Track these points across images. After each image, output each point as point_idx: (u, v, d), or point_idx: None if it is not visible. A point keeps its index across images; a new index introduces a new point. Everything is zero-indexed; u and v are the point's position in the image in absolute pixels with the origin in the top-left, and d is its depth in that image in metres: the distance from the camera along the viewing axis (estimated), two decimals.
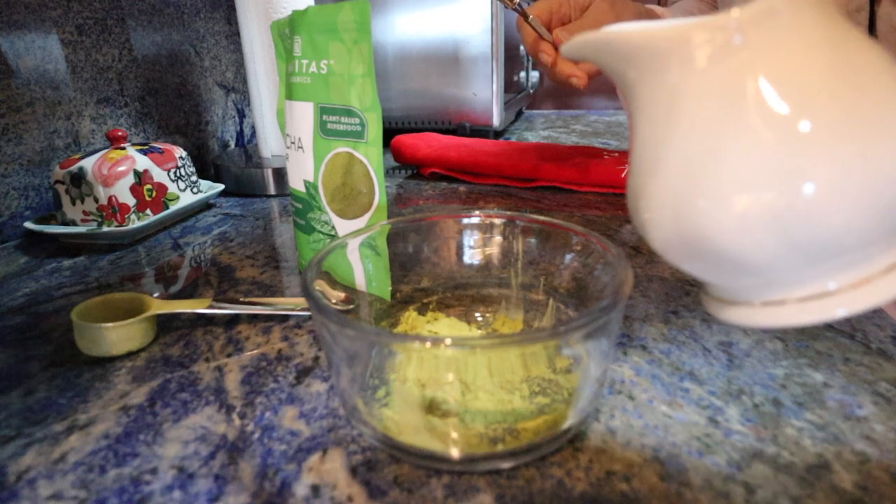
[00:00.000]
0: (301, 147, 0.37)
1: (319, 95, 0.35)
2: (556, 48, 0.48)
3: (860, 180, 0.15)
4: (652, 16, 0.55)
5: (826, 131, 0.15)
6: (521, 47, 1.07)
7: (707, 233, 0.17)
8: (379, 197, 0.35)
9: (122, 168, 0.50)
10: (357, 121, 0.34)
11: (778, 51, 0.16)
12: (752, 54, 0.16)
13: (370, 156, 0.35)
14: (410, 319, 0.33)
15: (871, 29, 0.43)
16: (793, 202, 0.16)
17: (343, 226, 0.37)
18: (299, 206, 0.40)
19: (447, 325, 0.32)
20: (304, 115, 0.36)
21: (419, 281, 0.35)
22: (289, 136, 0.38)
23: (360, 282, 0.33)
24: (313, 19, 0.34)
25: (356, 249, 0.32)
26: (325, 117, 0.35)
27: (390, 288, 0.35)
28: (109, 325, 0.31)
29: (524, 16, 0.47)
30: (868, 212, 0.15)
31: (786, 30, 0.16)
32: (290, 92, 0.37)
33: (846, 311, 0.17)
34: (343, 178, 0.36)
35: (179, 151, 0.58)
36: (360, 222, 0.36)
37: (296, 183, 0.39)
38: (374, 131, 0.34)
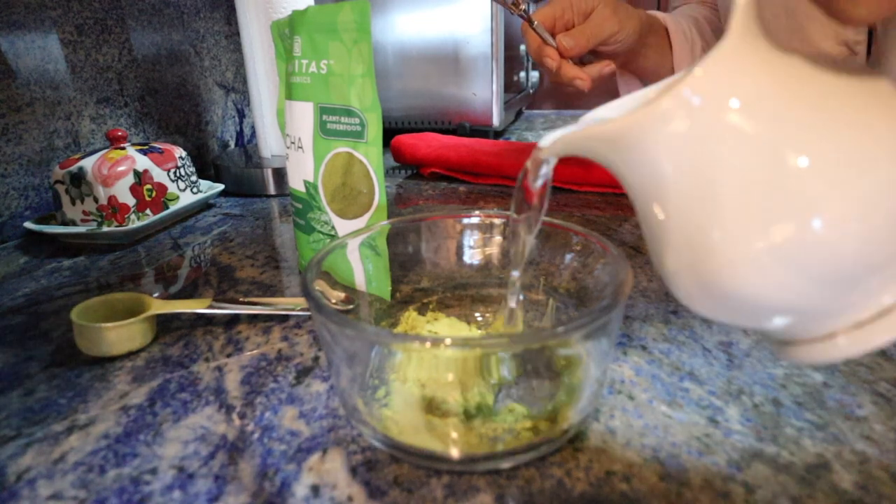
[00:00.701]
0: (301, 147, 0.37)
1: (319, 95, 0.35)
2: (560, 53, 0.48)
3: (857, 203, 0.15)
4: (654, 23, 0.55)
5: (814, 162, 0.15)
6: (522, 47, 1.07)
7: (731, 290, 0.17)
8: (379, 197, 0.35)
9: (121, 168, 0.50)
10: (357, 121, 0.34)
11: (736, 103, 0.16)
12: (712, 116, 0.16)
13: (370, 156, 0.35)
14: (410, 319, 0.33)
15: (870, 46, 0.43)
16: (798, 239, 0.15)
17: (343, 226, 0.37)
18: (299, 206, 0.40)
19: (447, 325, 0.32)
20: (304, 115, 0.36)
21: (419, 281, 0.35)
22: (289, 136, 0.38)
23: (360, 282, 0.33)
24: (313, 19, 0.34)
25: (356, 249, 0.32)
26: (324, 117, 0.35)
27: (390, 288, 0.35)
28: (109, 325, 0.31)
29: (529, 22, 0.47)
30: (879, 231, 0.15)
31: (737, 78, 0.16)
32: (290, 92, 0.37)
33: None
34: (343, 178, 0.36)
35: (179, 151, 0.58)
36: (360, 222, 0.36)
37: (296, 183, 0.39)
38: (374, 131, 0.34)
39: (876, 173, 0.15)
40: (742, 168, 0.16)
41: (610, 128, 0.18)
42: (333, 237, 0.38)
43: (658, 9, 0.62)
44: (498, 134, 0.96)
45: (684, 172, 0.17)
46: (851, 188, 0.15)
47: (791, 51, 0.16)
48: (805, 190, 0.15)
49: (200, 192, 0.60)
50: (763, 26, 0.17)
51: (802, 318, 0.18)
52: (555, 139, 0.22)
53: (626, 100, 0.23)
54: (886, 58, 0.15)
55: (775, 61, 0.16)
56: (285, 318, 0.36)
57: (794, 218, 0.15)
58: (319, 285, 0.27)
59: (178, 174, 0.56)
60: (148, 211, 0.52)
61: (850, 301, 0.17)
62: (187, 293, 0.41)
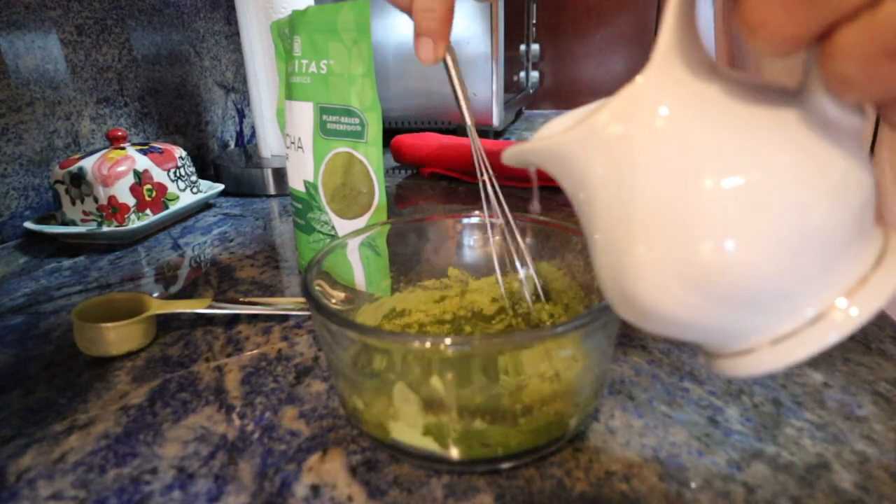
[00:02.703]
0: (301, 147, 0.37)
1: (319, 95, 0.35)
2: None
3: (767, 228, 0.15)
4: None
5: (727, 184, 0.15)
6: (522, 47, 1.07)
7: (646, 307, 0.17)
8: (379, 197, 0.35)
9: (121, 168, 0.50)
10: (357, 121, 0.34)
11: (665, 111, 0.16)
12: (641, 123, 0.16)
13: (370, 156, 0.35)
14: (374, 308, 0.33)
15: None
16: (708, 261, 0.15)
17: (343, 226, 0.37)
18: (299, 206, 0.40)
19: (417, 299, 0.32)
20: (303, 115, 0.36)
21: (419, 281, 0.35)
22: (289, 136, 0.38)
23: (360, 282, 0.33)
24: (313, 19, 0.34)
25: (356, 249, 0.32)
26: (324, 117, 0.35)
27: (390, 288, 0.35)
28: (109, 325, 0.31)
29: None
30: (789, 255, 0.15)
31: (668, 91, 0.16)
32: (290, 92, 0.37)
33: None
34: (343, 178, 0.36)
35: (179, 151, 0.58)
36: (360, 222, 0.36)
37: (296, 183, 0.39)
38: (374, 131, 0.34)
39: (781, 199, 0.15)
40: (659, 182, 0.16)
41: (550, 143, 0.19)
42: (333, 237, 0.38)
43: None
44: (498, 134, 0.96)
45: (609, 182, 0.17)
46: (762, 213, 0.15)
47: (724, 75, 0.16)
48: (718, 211, 0.15)
49: (200, 192, 0.60)
50: (699, 47, 0.17)
51: (720, 335, 0.18)
52: (509, 152, 0.22)
53: (579, 112, 0.23)
54: (805, 87, 0.15)
55: (703, 83, 0.16)
56: (285, 318, 0.36)
57: (705, 239, 0.15)
58: (319, 285, 0.27)
59: (178, 174, 0.56)
60: (148, 211, 0.52)
61: (767, 319, 0.16)
62: (187, 293, 0.41)
